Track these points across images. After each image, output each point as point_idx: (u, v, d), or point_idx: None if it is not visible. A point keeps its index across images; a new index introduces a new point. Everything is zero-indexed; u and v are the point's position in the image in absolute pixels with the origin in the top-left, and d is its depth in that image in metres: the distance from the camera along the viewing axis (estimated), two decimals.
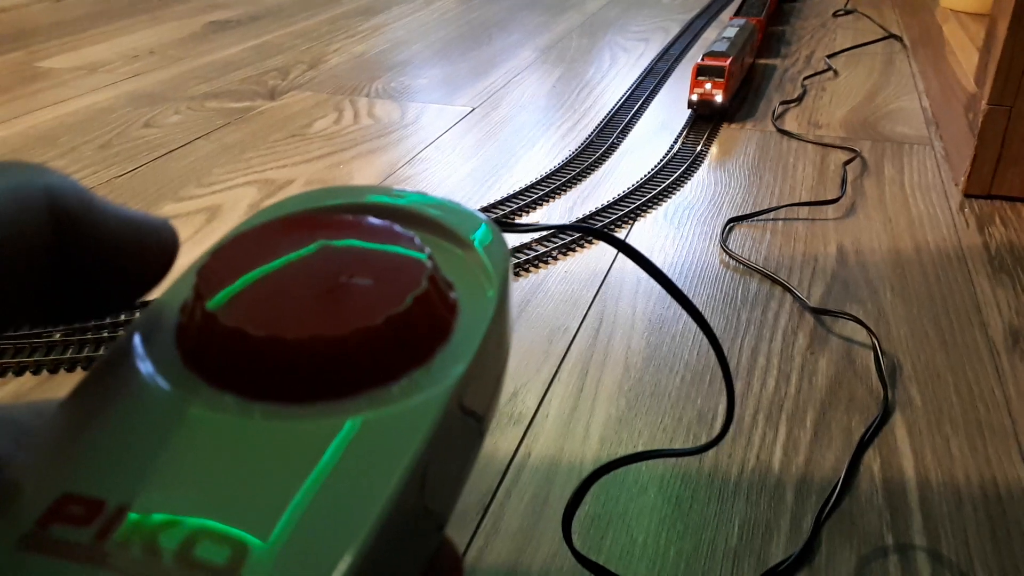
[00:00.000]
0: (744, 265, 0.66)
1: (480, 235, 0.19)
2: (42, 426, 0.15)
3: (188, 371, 0.15)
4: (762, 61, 1.20)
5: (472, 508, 0.43)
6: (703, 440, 0.47)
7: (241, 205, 0.77)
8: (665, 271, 0.64)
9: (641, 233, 0.72)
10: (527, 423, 0.49)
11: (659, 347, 0.56)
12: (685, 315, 0.59)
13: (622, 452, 0.46)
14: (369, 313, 0.15)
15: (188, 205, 0.77)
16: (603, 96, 1.07)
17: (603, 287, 0.63)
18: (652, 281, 0.63)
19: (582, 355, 0.55)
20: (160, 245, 0.17)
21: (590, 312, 0.60)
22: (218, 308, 0.15)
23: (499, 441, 0.47)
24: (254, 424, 0.14)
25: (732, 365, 0.54)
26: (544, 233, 0.67)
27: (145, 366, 0.16)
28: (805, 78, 1.12)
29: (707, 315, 0.59)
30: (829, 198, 0.77)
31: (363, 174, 0.84)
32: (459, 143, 0.92)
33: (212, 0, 1.63)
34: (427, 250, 0.17)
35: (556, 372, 0.53)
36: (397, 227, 0.18)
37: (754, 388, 0.52)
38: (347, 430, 0.14)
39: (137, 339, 0.16)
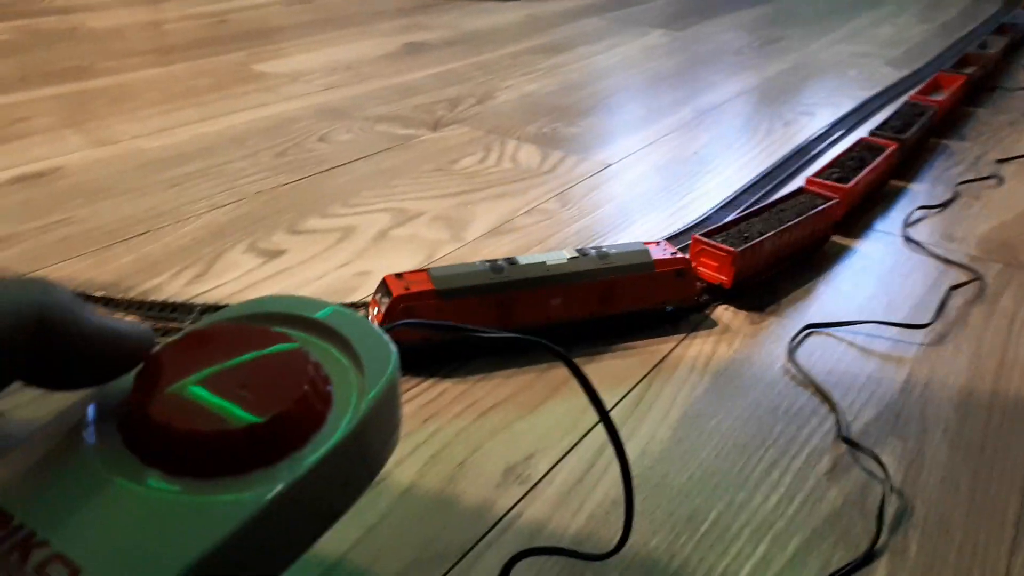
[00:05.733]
0: (803, 376, 0.67)
1: (371, 345, 0.27)
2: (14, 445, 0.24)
3: (120, 438, 0.24)
4: (935, 139, 1.16)
5: (452, 551, 0.49)
6: (683, 539, 0.51)
7: (371, 231, 0.87)
8: (725, 363, 0.67)
9: (714, 319, 0.74)
10: (530, 486, 0.54)
11: (682, 440, 0.59)
12: (720, 416, 0.62)
13: (601, 533, 0.51)
14: (260, 412, 0.23)
15: (329, 223, 0.89)
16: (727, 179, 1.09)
17: (654, 372, 0.67)
18: (705, 375, 0.66)
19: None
20: (128, 351, 0.25)
21: (631, 393, 0.64)
22: (151, 404, 0.24)
23: (498, 496, 0.53)
24: (144, 492, 0.22)
25: (747, 473, 0.57)
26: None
27: (89, 436, 0.24)
28: (961, 182, 1.08)
29: (742, 419, 0.62)
30: (922, 322, 0.76)
31: (485, 218, 0.92)
32: (582, 199, 0.98)
33: (417, 20, 1.78)
34: (313, 358, 0.25)
35: (576, 444, 0.58)
36: (295, 343, 0.26)
37: (755, 501, 0.54)
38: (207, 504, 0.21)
39: (91, 409, 0.25)
